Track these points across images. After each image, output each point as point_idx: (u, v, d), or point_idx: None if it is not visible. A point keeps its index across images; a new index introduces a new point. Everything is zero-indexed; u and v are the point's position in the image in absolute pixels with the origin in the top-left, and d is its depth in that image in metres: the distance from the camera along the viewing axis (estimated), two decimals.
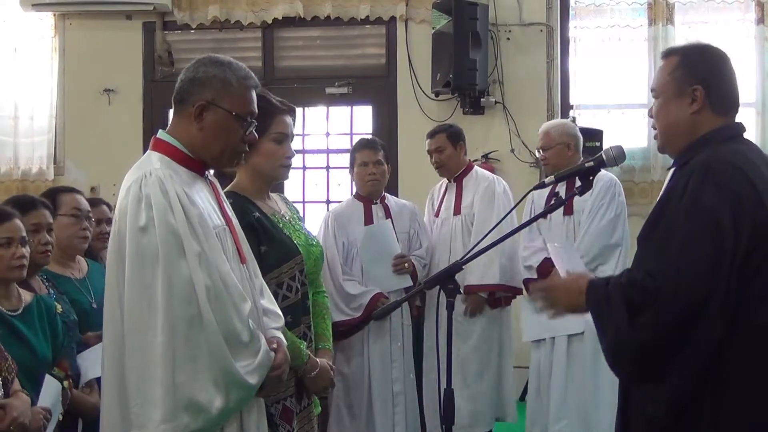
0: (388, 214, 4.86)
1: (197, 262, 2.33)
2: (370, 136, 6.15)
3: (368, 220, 4.83)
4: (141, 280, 2.32)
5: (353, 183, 5.02)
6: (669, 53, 2.62)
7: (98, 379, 3.31)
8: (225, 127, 2.49)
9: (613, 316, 2.38)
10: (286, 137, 3.06)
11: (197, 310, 2.31)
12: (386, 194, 4.98)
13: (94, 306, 3.53)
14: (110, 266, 2.43)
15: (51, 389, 3.04)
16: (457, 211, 5.11)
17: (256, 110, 2.56)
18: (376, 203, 4.85)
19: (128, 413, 2.32)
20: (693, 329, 2.30)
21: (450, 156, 5.08)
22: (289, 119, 3.08)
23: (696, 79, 2.51)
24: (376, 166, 4.80)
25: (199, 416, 2.30)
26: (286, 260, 3.00)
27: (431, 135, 5.12)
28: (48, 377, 3.05)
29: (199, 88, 2.48)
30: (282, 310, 2.86)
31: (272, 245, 2.98)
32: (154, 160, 2.47)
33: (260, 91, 2.63)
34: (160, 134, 2.54)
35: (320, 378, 3.08)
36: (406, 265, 4.70)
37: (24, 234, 3.09)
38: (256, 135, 2.60)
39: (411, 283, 4.66)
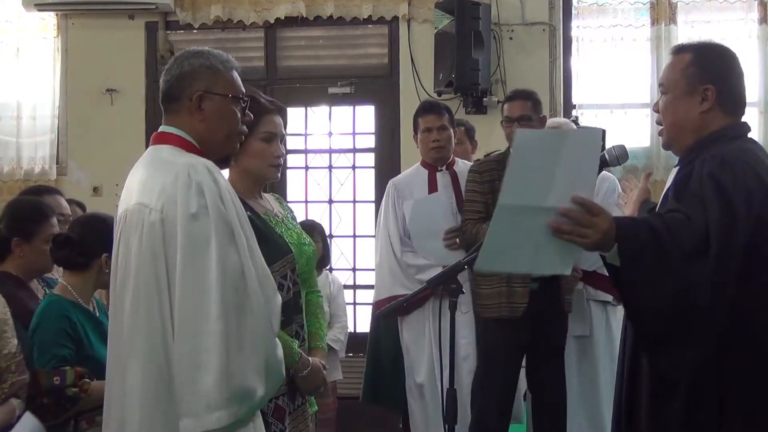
0: (455, 180, 4.68)
1: (246, 251, 2.34)
2: (434, 99, 5.72)
3: (432, 188, 4.66)
4: (194, 267, 2.27)
5: (418, 149, 4.79)
6: (681, 49, 2.59)
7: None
8: (225, 111, 2.49)
9: (680, 258, 2.27)
10: (274, 136, 3.05)
11: (247, 298, 2.31)
12: (456, 159, 4.80)
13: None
14: (145, 260, 2.34)
15: (26, 428, 2.79)
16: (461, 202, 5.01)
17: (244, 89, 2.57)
18: (442, 170, 4.69)
19: (172, 406, 2.27)
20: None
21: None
22: (278, 119, 3.07)
23: (709, 78, 2.49)
24: (440, 132, 4.65)
25: (245, 404, 2.29)
26: (278, 259, 2.99)
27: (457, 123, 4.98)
28: (27, 414, 2.82)
29: (189, 82, 2.47)
30: None
31: (263, 244, 2.94)
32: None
33: (249, 90, 2.64)
34: (167, 128, 2.49)
35: (312, 377, 3.07)
36: (458, 240, 4.46)
37: None
38: (251, 114, 2.60)
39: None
